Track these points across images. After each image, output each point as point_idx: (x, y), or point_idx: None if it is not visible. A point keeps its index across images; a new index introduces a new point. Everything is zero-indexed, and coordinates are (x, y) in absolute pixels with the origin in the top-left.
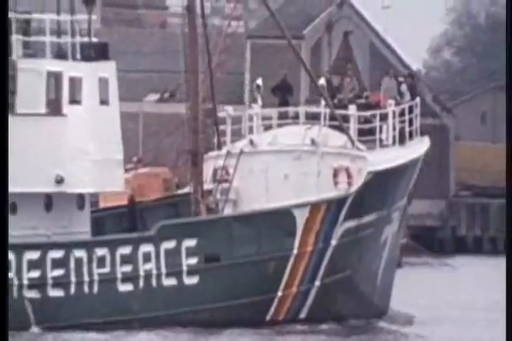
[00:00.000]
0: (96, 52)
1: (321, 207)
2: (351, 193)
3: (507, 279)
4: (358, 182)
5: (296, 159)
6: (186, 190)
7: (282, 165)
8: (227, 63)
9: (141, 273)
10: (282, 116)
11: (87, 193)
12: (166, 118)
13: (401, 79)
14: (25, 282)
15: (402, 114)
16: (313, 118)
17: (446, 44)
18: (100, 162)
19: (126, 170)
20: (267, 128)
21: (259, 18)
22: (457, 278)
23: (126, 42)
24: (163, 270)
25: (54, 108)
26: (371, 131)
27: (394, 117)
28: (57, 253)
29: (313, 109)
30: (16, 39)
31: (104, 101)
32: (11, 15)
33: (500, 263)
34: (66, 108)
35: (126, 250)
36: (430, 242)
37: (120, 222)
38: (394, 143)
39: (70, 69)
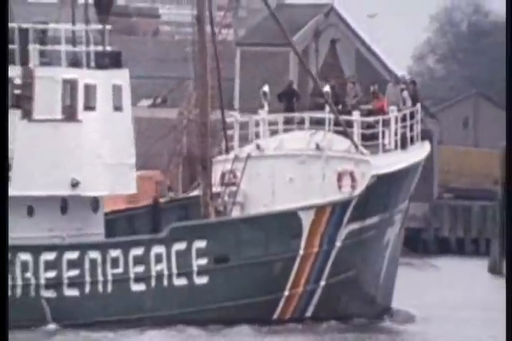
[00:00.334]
0: (110, 61)
1: (326, 209)
2: (355, 196)
3: (507, 279)
4: (361, 186)
5: (301, 163)
6: (196, 192)
7: (288, 168)
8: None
9: (153, 273)
10: (288, 121)
11: (101, 196)
12: (157, 122)
13: (403, 86)
14: (42, 282)
15: (403, 119)
16: (317, 123)
17: (430, 51)
18: (114, 166)
19: None
20: (273, 133)
21: (248, 26)
22: (441, 278)
23: (120, 50)
24: (174, 270)
25: (69, 114)
26: (374, 136)
27: (396, 123)
28: (72, 255)
29: (318, 114)
30: (32, 48)
31: (117, 108)
32: (27, 25)
33: (482, 263)
34: (81, 114)
35: (138, 251)
36: (414, 243)
37: (131, 223)
38: (396, 147)
39: (84, 76)
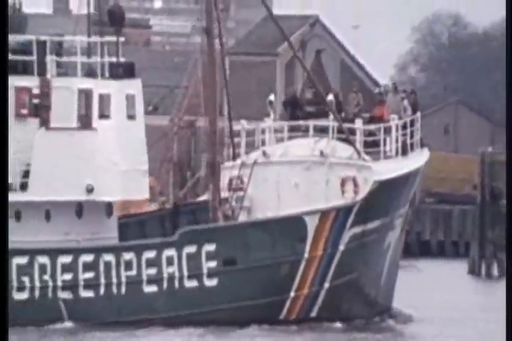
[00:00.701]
0: (123, 71)
1: (330, 214)
2: (358, 201)
3: (507, 279)
4: (364, 191)
5: (306, 169)
6: (204, 197)
7: (293, 174)
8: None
9: (165, 275)
10: (293, 129)
11: (114, 201)
12: (149, 129)
13: (403, 95)
14: (59, 284)
15: (404, 127)
16: (321, 131)
17: (412, 61)
18: (127, 172)
19: None
20: (279, 140)
21: (237, 36)
22: (423, 279)
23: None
24: (185, 273)
25: (85, 122)
26: (376, 143)
27: (397, 130)
28: (87, 257)
29: (321, 122)
30: (50, 59)
31: (131, 116)
32: (45, 37)
33: (462, 265)
34: (96, 122)
35: (151, 254)
36: None
37: (143, 227)
38: (397, 154)
39: (99, 86)
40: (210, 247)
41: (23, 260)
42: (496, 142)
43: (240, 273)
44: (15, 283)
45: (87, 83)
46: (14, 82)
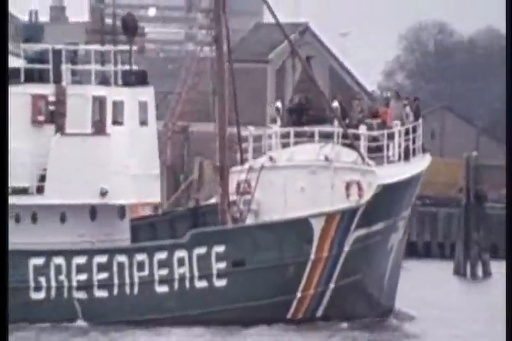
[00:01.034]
0: (136, 79)
1: (335, 216)
2: (362, 204)
3: (507, 280)
4: (368, 195)
5: (311, 173)
6: (212, 200)
7: (299, 178)
8: (199, 84)
9: (176, 276)
10: (298, 134)
11: (127, 204)
12: None
13: (405, 102)
14: (74, 284)
15: (406, 133)
16: (326, 136)
17: (399, 68)
18: (139, 176)
19: None
20: (285, 145)
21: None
22: (411, 279)
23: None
24: (196, 273)
25: (99, 128)
26: (379, 149)
27: (400, 136)
28: (101, 258)
29: (327, 128)
30: (65, 68)
31: (143, 122)
32: (60, 46)
33: (448, 266)
34: (110, 128)
35: (162, 255)
36: None
37: (154, 229)
38: (399, 159)
39: (113, 93)
40: (220, 249)
41: (39, 261)
42: (481, 147)
43: (249, 273)
44: (32, 283)
45: (101, 90)
46: (31, 89)
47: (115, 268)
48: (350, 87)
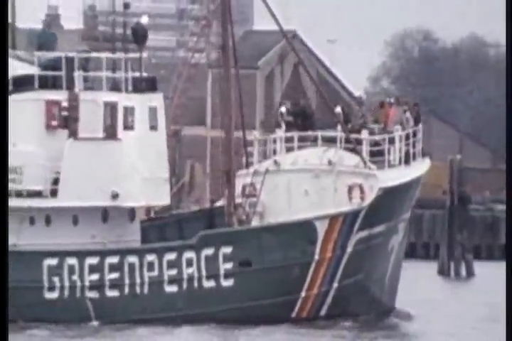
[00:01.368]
0: (146, 85)
1: (339, 219)
2: (364, 207)
3: (507, 280)
4: (369, 198)
5: (315, 177)
6: (219, 203)
7: (303, 182)
8: (191, 90)
9: (185, 276)
10: (302, 139)
11: (137, 207)
12: None
13: (405, 107)
14: (87, 284)
15: (407, 137)
16: (329, 141)
17: (385, 74)
18: (149, 179)
19: None
20: (289, 149)
21: (219, 50)
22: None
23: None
24: (204, 273)
25: (110, 133)
26: (381, 153)
27: (400, 141)
28: (113, 259)
29: (330, 133)
30: (77, 74)
31: (153, 127)
32: (72, 54)
33: (432, 266)
34: (121, 133)
35: (171, 256)
36: None
37: (162, 231)
38: (400, 163)
39: (123, 99)
40: (227, 250)
41: (53, 261)
42: (464, 150)
43: (255, 274)
44: (46, 283)
45: (112, 96)
46: (45, 95)
47: (126, 269)
48: (337, 92)
